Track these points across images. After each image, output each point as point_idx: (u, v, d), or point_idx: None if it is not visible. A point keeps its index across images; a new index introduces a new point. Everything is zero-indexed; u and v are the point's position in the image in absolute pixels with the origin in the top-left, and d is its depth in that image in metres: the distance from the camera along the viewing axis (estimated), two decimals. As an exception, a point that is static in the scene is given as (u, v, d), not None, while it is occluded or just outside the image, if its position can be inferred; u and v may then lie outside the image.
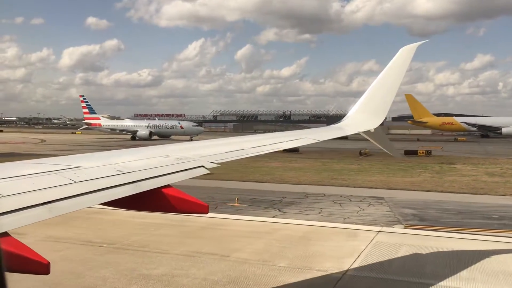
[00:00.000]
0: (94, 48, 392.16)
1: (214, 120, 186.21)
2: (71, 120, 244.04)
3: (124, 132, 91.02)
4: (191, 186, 26.17)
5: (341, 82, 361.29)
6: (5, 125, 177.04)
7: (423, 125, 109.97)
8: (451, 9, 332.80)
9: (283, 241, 13.83)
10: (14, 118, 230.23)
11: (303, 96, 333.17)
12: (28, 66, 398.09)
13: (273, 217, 17.82)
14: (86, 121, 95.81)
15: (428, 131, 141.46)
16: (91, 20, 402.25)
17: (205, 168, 5.95)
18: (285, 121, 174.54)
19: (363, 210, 19.49)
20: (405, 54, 11.14)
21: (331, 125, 11.30)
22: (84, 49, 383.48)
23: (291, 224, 16.06)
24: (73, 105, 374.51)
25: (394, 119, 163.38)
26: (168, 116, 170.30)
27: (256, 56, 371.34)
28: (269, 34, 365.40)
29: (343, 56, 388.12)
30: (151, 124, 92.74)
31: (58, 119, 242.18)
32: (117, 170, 4.96)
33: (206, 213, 5.05)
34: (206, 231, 15.16)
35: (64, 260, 11.68)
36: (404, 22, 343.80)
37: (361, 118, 10.91)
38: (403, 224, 16.52)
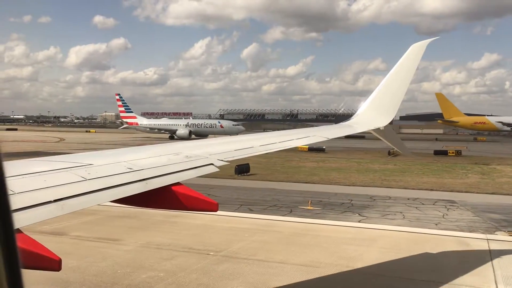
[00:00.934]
0: (101, 46, 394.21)
1: (221, 119, 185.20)
2: (78, 118, 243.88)
3: (163, 131, 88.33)
4: (241, 187, 25.75)
5: (347, 81, 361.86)
6: (15, 123, 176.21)
7: (454, 124, 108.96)
8: (459, 7, 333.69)
9: (394, 249, 13.01)
10: (22, 116, 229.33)
11: (308, 95, 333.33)
12: (35, 65, 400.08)
13: (358, 221, 17.02)
14: (123, 120, 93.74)
15: (440, 131, 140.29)
16: (98, 18, 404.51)
17: (215, 166, 5.88)
18: (293, 120, 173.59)
19: (447, 214, 18.66)
20: (415, 51, 10.93)
21: (341, 123, 11.13)
22: (90, 47, 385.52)
23: (388, 230, 15.23)
24: (79, 103, 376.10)
25: (402, 118, 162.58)
26: (176, 114, 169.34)
27: (262, 55, 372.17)
28: (276, 33, 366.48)
29: (350, 55, 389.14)
30: (189, 123, 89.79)
31: (65, 117, 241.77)
32: (127, 168, 4.95)
33: (216, 211, 4.94)
34: (303, 237, 14.33)
35: (182, 270, 10.89)
36: (411, 21, 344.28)
37: (371, 116, 10.74)
38: (503, 231, 15.71)
